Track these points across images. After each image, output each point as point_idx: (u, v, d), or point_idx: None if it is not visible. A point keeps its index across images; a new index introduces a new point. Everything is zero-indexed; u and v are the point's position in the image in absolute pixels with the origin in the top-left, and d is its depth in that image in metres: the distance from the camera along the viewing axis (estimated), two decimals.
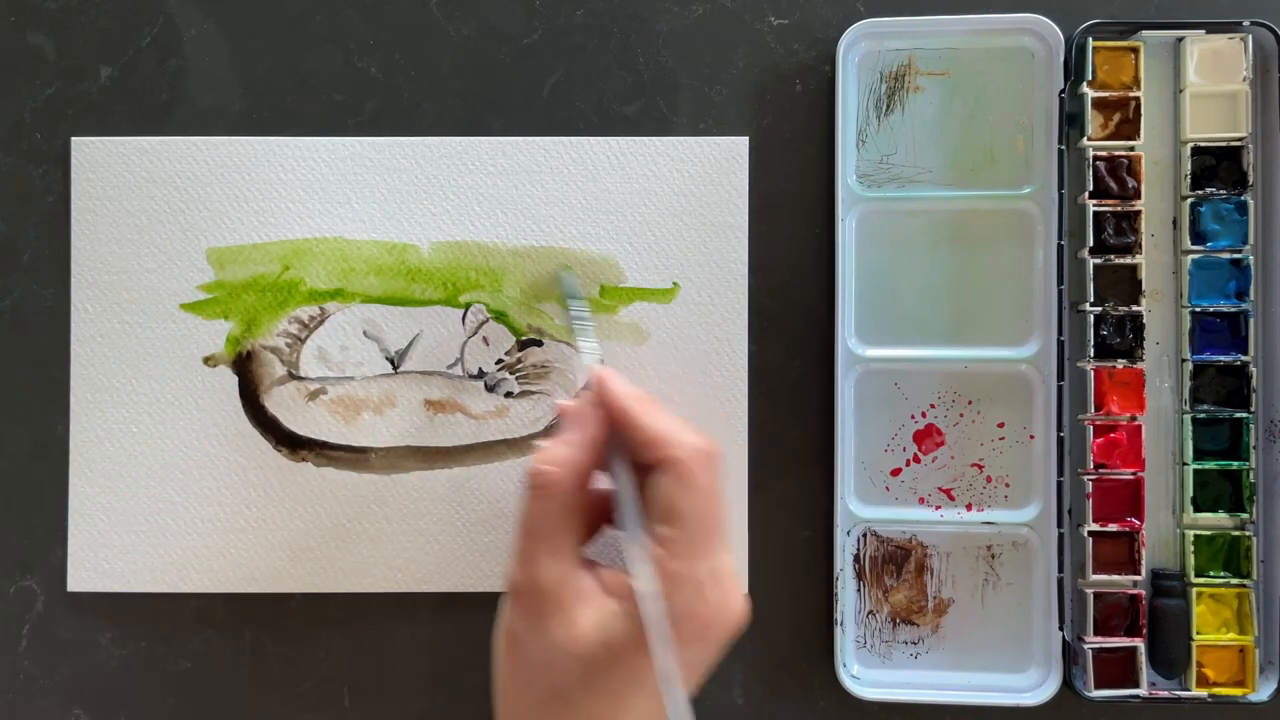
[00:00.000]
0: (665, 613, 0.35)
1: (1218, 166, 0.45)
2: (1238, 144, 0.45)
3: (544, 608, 0.36)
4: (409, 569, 0.46)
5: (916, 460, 0.46)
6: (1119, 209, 0.44)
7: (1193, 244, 0.45)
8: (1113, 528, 0.44)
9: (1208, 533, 0.45)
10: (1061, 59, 0.45)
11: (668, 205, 0.46)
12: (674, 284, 0.46)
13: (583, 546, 0.38)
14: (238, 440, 0.46)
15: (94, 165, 0.46)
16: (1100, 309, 0.44)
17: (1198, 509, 0.45)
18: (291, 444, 0.46)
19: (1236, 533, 0.45)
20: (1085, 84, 0.44)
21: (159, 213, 0.46)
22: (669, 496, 0.36)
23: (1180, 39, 0.45)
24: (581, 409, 0.38)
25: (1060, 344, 0.45)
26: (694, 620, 0.35)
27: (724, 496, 0.37)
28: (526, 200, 0.46)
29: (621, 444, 0.38)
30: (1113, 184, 0.44)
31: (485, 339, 0.46)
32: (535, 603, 0.37)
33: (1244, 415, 0.44)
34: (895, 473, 0.46)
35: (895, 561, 0.46)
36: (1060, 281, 0.44)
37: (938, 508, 0.46)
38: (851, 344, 0.45)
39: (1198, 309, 0.45)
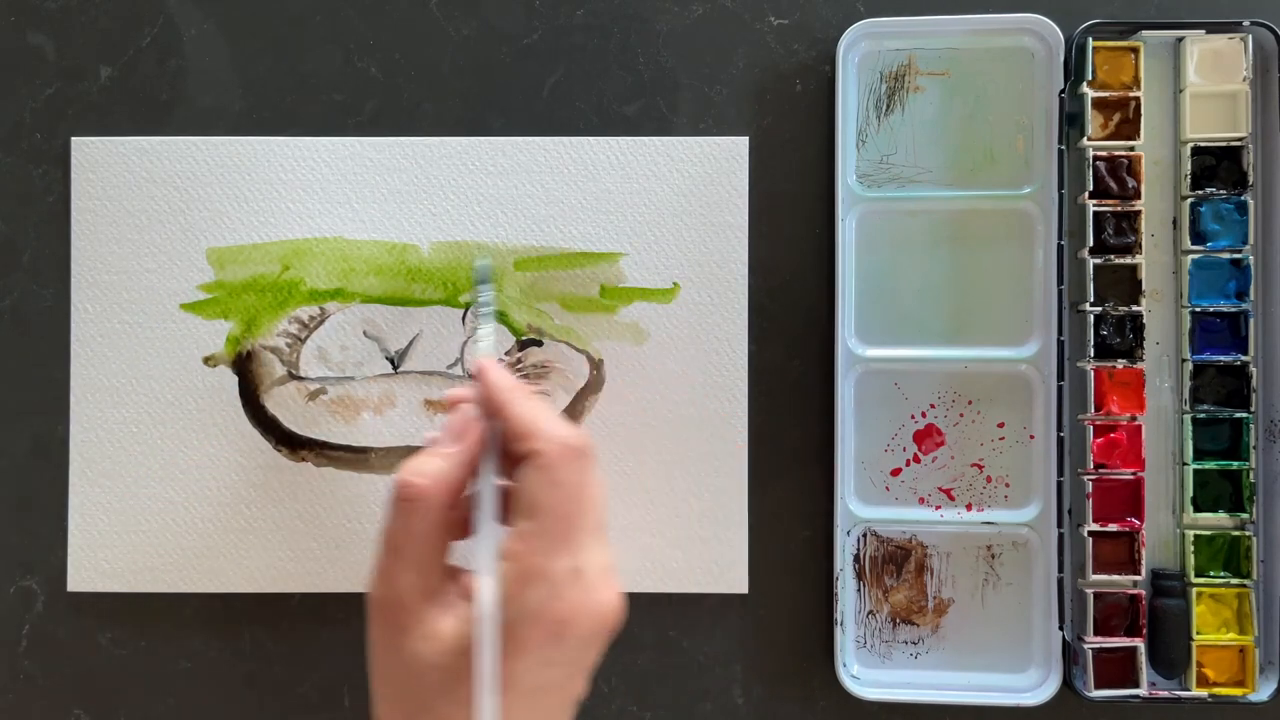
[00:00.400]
0: (521, 611, 0.34)
1: (1218, 166, 0.45)
2: (1238, 144, 0.45)
3: (405, 622, 0.35)
4: None
5: (916, 460, 0.46)
6: (1119, 209, 0.44)
7: (1193, 244, 0.45)
8: (1113, 528, 0.44)
9: (1208, 533, 0.45)
10: (1061, 59, 0.45)
11: (668, 205, 0.46)
12: (674, 284, 0.46)
13: (449, 551, 0.37)
14: (238, 440, 0.46)
15: (94, 165, 0.46)
16: (1100, 309, 0.44)
17: (1198, 509, 0.45)
18: (291, 444, 0.46)
19: (1236, 533, 0.45)
20: (1085, 84, 0.44)
21: (159, 213, 0.46)
22: (530, 490, 0.35)
23: (1180, 39, 0.45)
24: (463, 418, 0.37)
25: (1060, 344, 0.45)
26: (547, 619, 0.34)
27: (593, 493, 0.36)
28: (526, 200, 0.46)
29: (497, 437, 0.37)
30: (1113, 184, 0.44)
31: None
32: (396, 617, 0.35)
33: (1244, 415, 0.44)
34: (895, 473, 0.46)
35: (895, 561, 0.46)
36: (1060, 281, 0.44)
37: (938, 508, 0.46)
38: (851, 344, 0.45)
39: (1198, 309, 0.45)
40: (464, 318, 0.46)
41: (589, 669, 0.36)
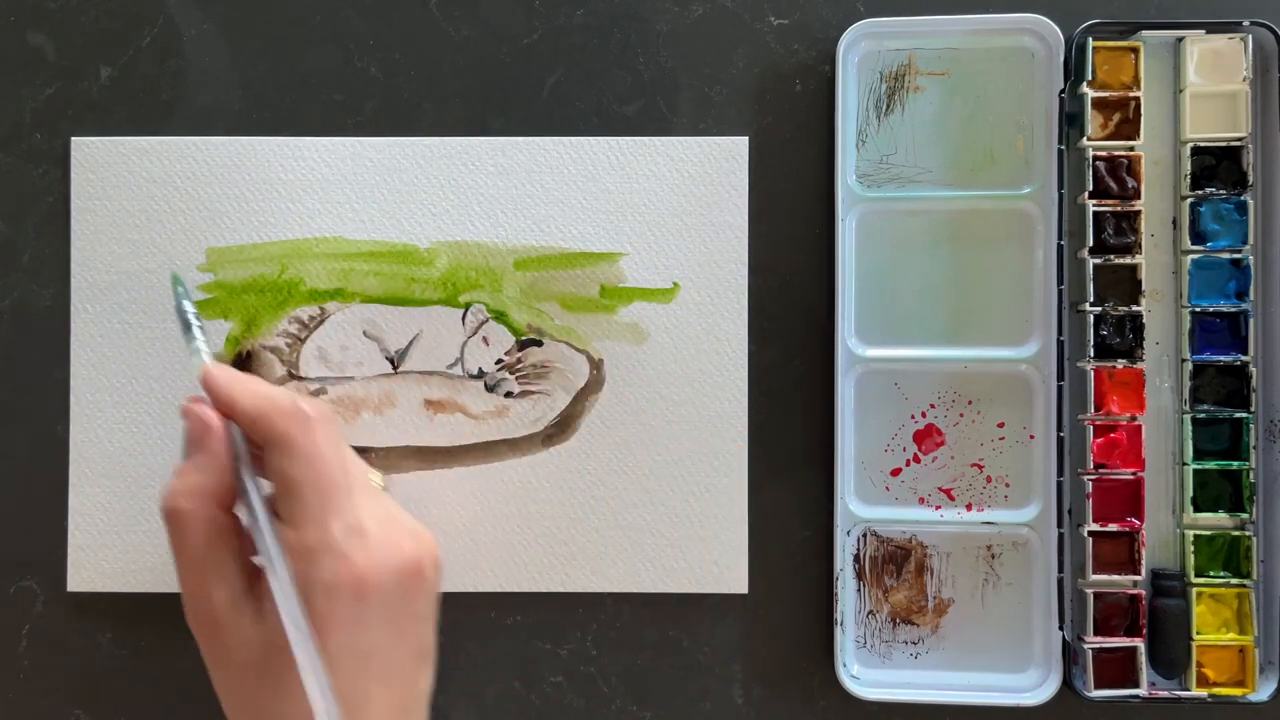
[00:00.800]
0: (314, 586, 0.34)
1: (1218, 166, 0.45)
2: (1238, 144, 0.45)
3: (221, 634, 0.35)
4: None
5: (916, 460, 0.46)
6: (1119, 209, 0.44)
7: (1193, 244, 0.45)
8: (1113, 528, 0.44)
9: (1208, 533, 0.45)
10: (1061, 59, 0.45)
11: (668, 205, 0.46)
12: (674, 284, 0.46)
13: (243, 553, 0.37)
14: None
15: (94, 165, 0.46)
16: (1100, 309, 0.44)
17: (1198, 509, 0.45)
18: None
19: (1236, 533, 0.45)
20: (1085, 84, 0.44)
21: (159, 213, 0.46)
22: (279, 470, 0.35)
23: (1180, 39, 0.45)
24: (199, 424, 0.37)
25: (1060, 344, 0.45)
26: (343, 584, 0.34)
27: (341, 453, 0.36)
28: (526, 200, 0.46)
29: (243, 436, 0.37)
30: (1113, 184, 0.44)
31: (485, 339, 0.46)
32: (213, 632, 0.35)
33: (1244, 415, 0.44)
34: (895, 473, 0.46)
35: (895, 561, 0.46)
36: (1060, 281, 0.44)
37: (938, 508, 0.46)
38: (851, 344, 0.45)
39: (1198, 309, 0.45)
40: (464, 317, 0.46)
41: (420, 619, 0.36)
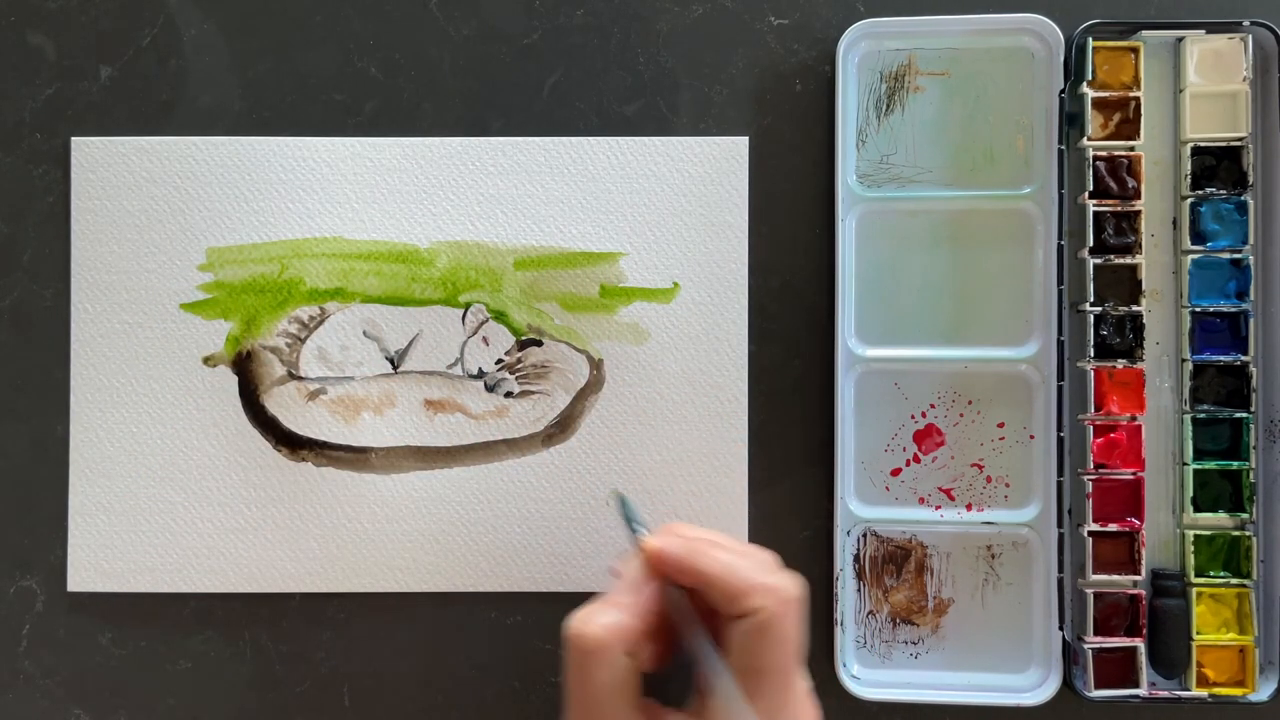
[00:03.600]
0: None
1: (1218, 166, 0.45)
2: (1238, 144, 0.45)
3: None
4: (409, 569, 0.46)
5: (916, 460, 0.46)
6: (1119, 209, 0.44)
7: (1193, 244, 0.45)
8: (1113, 528, 0.44)
9: (1208, 533, 0.45)
10: (1061, 59, 0.45)
11: (668, 205, 0.46)
12: (674, 284, 0.46)
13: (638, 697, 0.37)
14: (238, 440, 0.46)
15: (94, 165, 0.46)
16: (1100, 309, 0.44)
17: (1198, 509, 0.45)
18: (291, 444, 0.46)
19: (1236, 533, 0.45)
20: (1085, 84, 0.44)
21: (159, 213, 0.46)
22: (750, 650, 0.35)
23: (1180, 39, 0.45)
24: (633, 575, 0.37)
25: (1060, 344, 0.45)
26: None
27: (800, 639, 0.36)
28: (526, 200, 0.46)
29: (690, 600, 0.37)
30: (1113, 184, 0.44)
31: (485, 339, 0.46)
32: None
33: (1244, 415, 0.44)
34: (895, 473, 0.46)
35: (895, 561, 0.46)
36: (1060, 281, 0.44)
37: (938, 508, 0.46)
38: (851, 344, 0.45)
39: (1198, 309, 0.45)
40: (464, 318, 0.46)
41: None
